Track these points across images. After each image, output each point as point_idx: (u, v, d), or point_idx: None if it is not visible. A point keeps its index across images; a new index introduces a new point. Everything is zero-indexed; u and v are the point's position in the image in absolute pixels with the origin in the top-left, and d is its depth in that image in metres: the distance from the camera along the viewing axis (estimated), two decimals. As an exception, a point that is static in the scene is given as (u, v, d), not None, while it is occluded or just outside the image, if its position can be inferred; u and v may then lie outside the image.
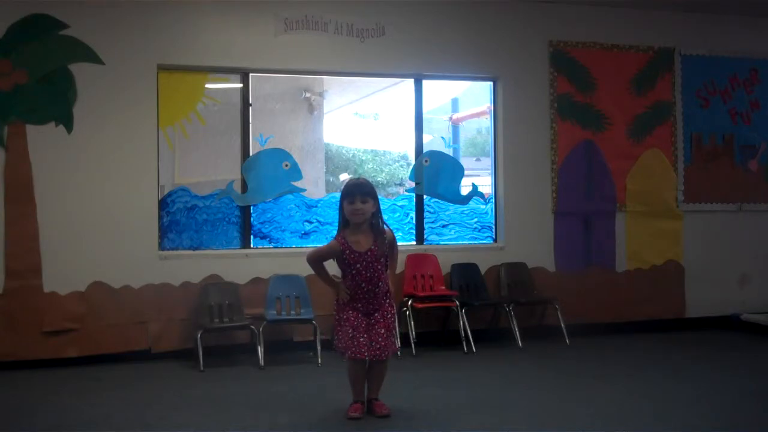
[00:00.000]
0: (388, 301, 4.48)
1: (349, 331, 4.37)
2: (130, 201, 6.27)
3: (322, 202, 6.97)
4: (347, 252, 4.38)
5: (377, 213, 4.44)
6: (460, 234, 7.26)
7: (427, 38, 6.99)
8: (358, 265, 4.37)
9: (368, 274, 4.38)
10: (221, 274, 6.45)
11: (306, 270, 6.51)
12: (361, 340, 4.35)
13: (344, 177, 8.42)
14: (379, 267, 4.41)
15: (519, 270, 7.10)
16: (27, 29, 6.06)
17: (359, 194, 4.38)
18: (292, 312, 6.35)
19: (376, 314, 4.42)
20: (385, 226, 4.49)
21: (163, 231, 6.49)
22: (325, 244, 4.70)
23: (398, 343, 6.17)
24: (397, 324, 4.58)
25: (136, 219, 6.28)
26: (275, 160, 6.74)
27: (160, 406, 4.85)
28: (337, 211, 4.53)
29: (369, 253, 4.38)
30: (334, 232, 6.79)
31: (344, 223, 4.48)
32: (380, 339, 4.38)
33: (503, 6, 7.22)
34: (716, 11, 7.67)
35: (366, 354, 4.36)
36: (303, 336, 6.45)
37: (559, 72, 7.33)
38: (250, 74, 6.72)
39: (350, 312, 4.41)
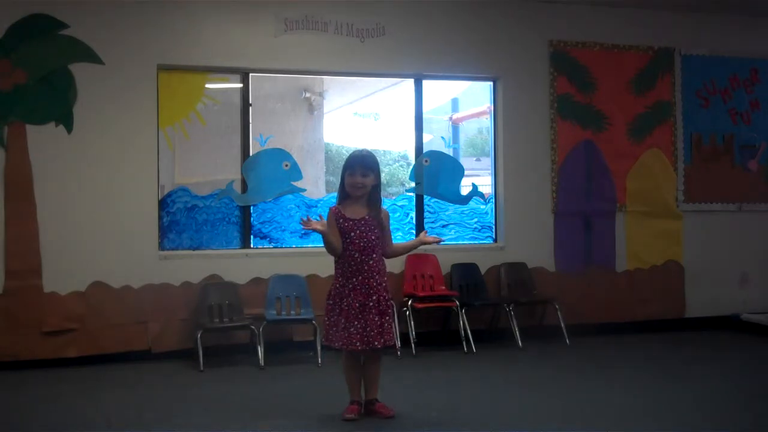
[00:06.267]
0: (384, 284, 4.37)
1: (342, 321, 4.28)
2: (130, 201, 6.27)
3: (322, 202, 6.97)
4: (341, 220, 4.34)
5: (377, 186, 4.40)
6: (460, 234, 7.25)
7: (427, 38, 6.99)
8: (352, 234, 4.32)
9: (362, 243, 4.31)
10: (221, 274, 6.45)
11: (306, 270, 6.61)
12: (352, 330, 4.25)
13: None
14: (373, 238, 4.35)
15: (519, 270, 7.10)
16: (27, 29, 6.06)
17: (360, 167, 4.33)
18: (292, 312, 6.35)
19: (372, 299, 4.29)
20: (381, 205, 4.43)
21: (163, 231, 6.49)
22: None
23: (398, 343, 6.20)
24: (396, 321, 4.47)
25: (136, 219, 6.28)
26: (275, 160, 6.74)
27: (160, 406, 4.85)
28: (340, 183, 4.44)
29: (363, 222, 4.34)
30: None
31: (344, 195, 4.43)
32: (373, 326, 4.26)
33: (503, 6, 7.21)
34: (716, 11, 7.66)
35: (359, 345, 4.26)
36: (303, 336, 6.45)
37: (559, 72, 7.33)
38: (250, 74, 6.72)
39: (344, 301, 4.30)
